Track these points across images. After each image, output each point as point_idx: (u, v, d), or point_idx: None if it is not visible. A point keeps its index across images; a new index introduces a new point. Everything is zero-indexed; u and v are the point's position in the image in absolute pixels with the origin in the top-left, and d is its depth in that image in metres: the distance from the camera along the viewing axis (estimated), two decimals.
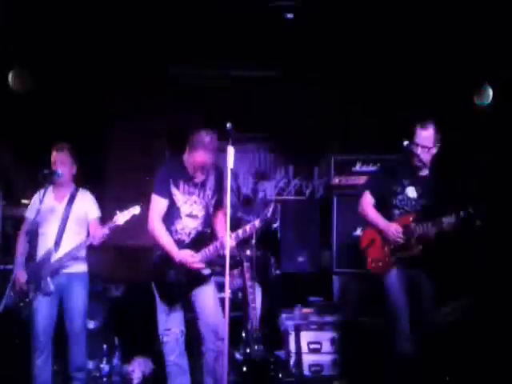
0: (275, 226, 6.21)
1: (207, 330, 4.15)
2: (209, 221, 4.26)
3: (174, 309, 4.13)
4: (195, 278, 4.14)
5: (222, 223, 4.27)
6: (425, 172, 4.41)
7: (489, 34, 5.12)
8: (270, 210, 3.95)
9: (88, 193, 4.80)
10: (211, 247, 4.08)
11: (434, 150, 4.32)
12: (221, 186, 4.29)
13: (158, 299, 4.17)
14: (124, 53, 5.99)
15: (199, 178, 4.21)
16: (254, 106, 6.71)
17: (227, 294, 3.88)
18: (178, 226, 4.17)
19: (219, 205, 4.32)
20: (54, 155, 4.64)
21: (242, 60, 6.22)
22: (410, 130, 4.35)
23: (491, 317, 4.76)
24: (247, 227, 3.99)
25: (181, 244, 4.14)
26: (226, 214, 4.23)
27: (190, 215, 4.17)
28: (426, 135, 4.28)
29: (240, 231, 4.00)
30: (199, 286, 4.17)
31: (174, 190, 4.15)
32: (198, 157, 4.10)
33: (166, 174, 4.17)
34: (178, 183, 4.15)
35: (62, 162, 4.63)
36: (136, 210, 4.36)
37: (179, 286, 4.11)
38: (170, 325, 4.14)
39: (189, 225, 4.17)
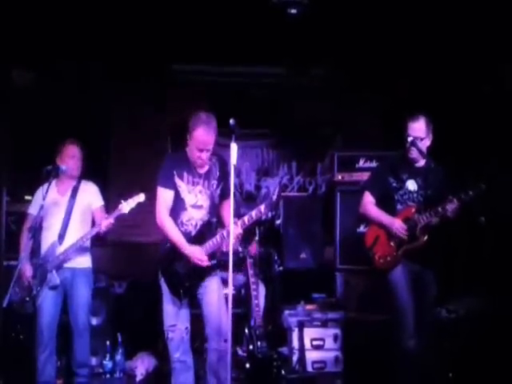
0: (278, 222, 6.23)
1: (211, 330, 4.12)
2: (214, 210, 4.22)
3: (180, 305, 4.10)
4: (203, 268, 4.10)
5: (229, 212, 4.20)
6: (421, 163, 4.42)
7: (491, 28, 5.12)
8: (276, 193, 3.93)
9: (91, 183, 4.81)
10: (218, 236, 4.06)
11: (428, 142, 4.36)
12: (225, 175, 4.25)
13: (165, 294, 4.14)
14: (127, 50, 5.99)
15: (203, 168, 4.17)
16: (256, 103, 6.71)
17: (230, 290, 3.90)
18: (184, 217, 4.13)
19: (225, 194, 4.26)
20: (66, 148, 4.65)
21: (245, 56, 6.21)
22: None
23: (495, 313, 4.76)
24: (253, 213, 3.96)
25: (187, 235, 4.11)
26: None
27: (194, 206, 4.14)
28: (417, 127, 4.30)
29: (246, 218, 3.97)
30: (207, 278, 4.13)
31: (178, 182, 4.12)
32: (199, 136, 4.02)
33: (169, 166, 4.13)
34: (181, 174, 4.12)
35: (73, 156, 4.65)
36: (140, 197, 4.37)
37: (189, 276, 4.06)
38: (176, 321, 4.11)
39: (194, 216, 4.14)
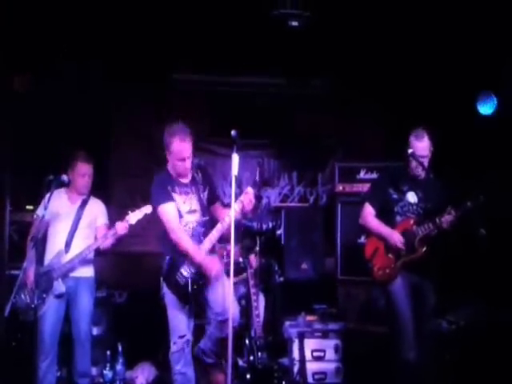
0: (279, 232, 6.23)
1: (216, 308, 4.20)
2: (206, 211, 4.34)
3: (186, 316, 4.15)
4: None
5: (221, 210, 4.38)
6: (421, 175, 4.43)
7: (491, 42, 5.14)
8: (257, 173, 3.99)
9: (100, 201, 4.86)
10: (219, 225, 4.17)
11: (430, 155, 4.38)
12: (208, 179, 4.43)
13: (171, 306, 4.17)
14: (128, 60, 6.01)
15: (187, 178, 4.31)
16: (257, 113, 6.72)
17: (231, 299, 3.92)
18: (181, 223, 4.23)
19: (213, 197, 4.42)
20: (78, 166, 4.65)
21: (245, 66, 6.24)
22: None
23: (495, 324, 4.75)
24: (242, 197, 4.10)
25: None
26: (221, 205, 4.45)
27: (189, 211, 4.26)
28: (423, 146, 4.33)
29: (237, 204, 4.05)
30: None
31: (173, 195, 4.24)
32: (176, 147, 4.16)
33: (161, 184, 4.26)
34: (174, 189, 4.26)
35: (84, 175, 4.67)
36: (148, 209, 4.40)
37: (193, 280, 4.12)
38: (180, 334, 4.14)
39: (190, 220, 4.26)
